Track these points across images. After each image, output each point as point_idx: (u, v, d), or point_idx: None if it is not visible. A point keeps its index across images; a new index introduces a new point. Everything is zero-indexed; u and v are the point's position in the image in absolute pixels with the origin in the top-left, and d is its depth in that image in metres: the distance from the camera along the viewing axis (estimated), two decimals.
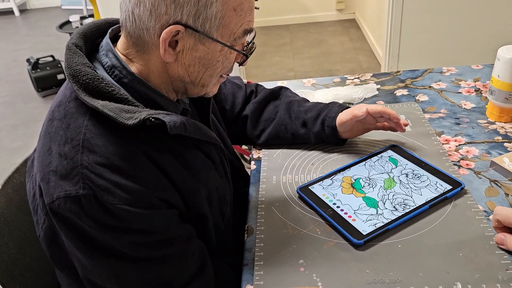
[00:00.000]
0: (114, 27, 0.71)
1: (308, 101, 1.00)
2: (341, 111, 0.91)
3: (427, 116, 1.04)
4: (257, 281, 0.67)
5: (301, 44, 3.68)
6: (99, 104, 0.60)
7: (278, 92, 1.01)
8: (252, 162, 0.95)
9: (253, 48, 0.72)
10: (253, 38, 0.71)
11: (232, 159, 0.90)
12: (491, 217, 0.73)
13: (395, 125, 0.90)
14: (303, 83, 1.26)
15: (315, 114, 0.93)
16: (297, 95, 1.02)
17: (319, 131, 0.92)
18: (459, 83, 1.17)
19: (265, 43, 3.76)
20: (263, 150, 0.98)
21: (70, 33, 2.98)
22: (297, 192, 0.83)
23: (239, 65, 0.73)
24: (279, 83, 1.27)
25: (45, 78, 3.16)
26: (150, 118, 0.60)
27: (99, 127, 0.61)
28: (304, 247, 0.72)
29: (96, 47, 0.69)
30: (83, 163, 0.59)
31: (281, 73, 3.18)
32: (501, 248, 0.68)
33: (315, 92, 1.16)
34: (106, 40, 0.68)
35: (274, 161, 0.94)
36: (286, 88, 1.03)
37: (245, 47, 0.70)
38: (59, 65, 3.21)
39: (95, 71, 0.63)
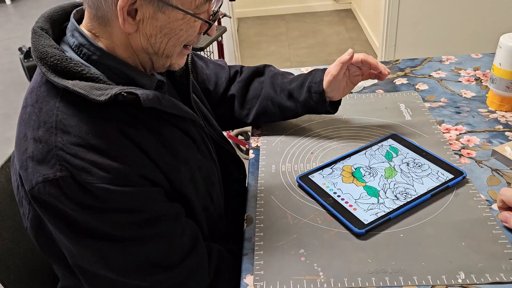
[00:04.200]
0: (79, 8, 0.70)
1: (292, 74, 0.97)
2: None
3: (427, 105, 1.03)
4: (257, 271, 0.66)
5: (296, 34, 3.65)
6: (69, 83, 0.58)
7: (262, 69, 0.99)
8: (251, 151, 0.94)
9: (217, 16, 0.68)
10: (219, 7, 0.68)
11: (221, 142, 0.87)
12: (493, 206, 0.73)
13: (378, 74, 0.88)
14: (301, 72, 1.24)
15: (300, 83, 0.90)
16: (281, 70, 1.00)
17: (306, 99, 0.89)
18: (459, 72, 1.16)
19: (261, 32, 3.73)
20: (261, 138, 0.97)
21: None
22: (297, 181, 0.82)
23: (204, 34, 0.69)
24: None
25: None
26: (122, 93, 0.58)
27: (71, 108, 0.60)
28: (304, 236, 0.71)
29: (64, 31, 0.68)
30: (57, 144, 0.58)
31: (277, 63, 3.15)
32: (505, 227, 0.68)
33: None
34: (71, 21, 0.66)
35: (273, 149, 0.93)
36: (270, 65, 1.01)
37: (210, 16, 0.66)
38: None
39: (64, 53, 0.62)
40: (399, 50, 2.71)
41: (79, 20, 0.67)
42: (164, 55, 0.66)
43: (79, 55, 0.64)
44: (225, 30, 2.15)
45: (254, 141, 0.97)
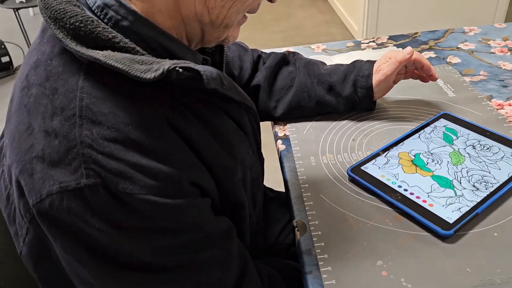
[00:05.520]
0: None
1: (324, 63, 0.85)
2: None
3: (467, 79, 0.91)
4: None
5: (269, 18, 3.49)
6: (99, 54, 0.41)
7: (288, 57, 0.85)
8: (279, 142, 0.78)
9: None
10: None
11: None
12: None
13: (422, 75, 0.81)
14: (312, 49, 1.09)
15: (342, 76, 0.79)
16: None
17: (350, 94, 0.78)
18: (488, 42, 1.05)
19: None
20: (288, 125, 0.82)
21: (15, 9, 2.63)
22: (348, 174, 0.67)
23: None
24: (284, 49, 1.10)
25: None
26: (177, 69, 0.42)
27: (101, 88, 0.43)
28: (377, 243, 0.57)
29: None
30: (83, 140, 0.41)
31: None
32: None
33: (333, 57, 1.00)
34: None
35: (306, 138, 0.78)
36: (296, 52, 0.88)
37: None
38: (2, 46, 2.84)
39: (85, 11, 0.45)
40: (381, 30, 2.62)
41: None
42: (223, 24, 0.50)
43: (102, 20, 0.46)
44: None
45: (280, 130, 0.81)
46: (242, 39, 2.89)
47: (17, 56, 3.01)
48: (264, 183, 0.87)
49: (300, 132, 0.79)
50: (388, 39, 1.11)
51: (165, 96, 0.45)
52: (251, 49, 0.86)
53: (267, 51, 1.07)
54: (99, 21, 0.43)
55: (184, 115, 0.46)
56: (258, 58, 0.85)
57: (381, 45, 1.08)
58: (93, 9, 0.46)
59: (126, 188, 0.41)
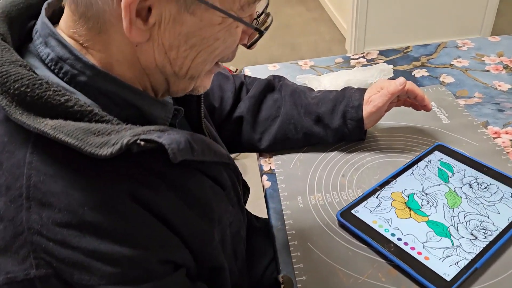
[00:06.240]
0: (51, 0, 0.46)
1: (311, 89, 0.80)
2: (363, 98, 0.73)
3: (461, 102, 0.86)
4: None
5: None
6: (47, 126, 0.36)
7: (273, 83, 0.80)
8: (265, 178, 0.73)
9: (269, 23, 0.49)
10: (266, 7, 0.48)
11: None
12: None
13: (415, 104, 0.77)
14: (299, 66, 1.04)
15: (331, 106, 0.74)
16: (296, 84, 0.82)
17: (339, 126, 0.73)
18: (482, 59, 1.01)
19: None
20: (274, 158, 0.77)
21: None
22: (338, 219, 0.63)
23: (248, 47, 0.50)
24: (271, 66, 1.05)
25: None
26: (138, 142, 0.37)
27: (51, 164, 0.38)
28: None
29: (29, 34, 0.44)
30: (31, 225, 0.37)
31: (240, 50, 2.92)
32: None
33: (321, 77, 0.95)
34: (42, 20, 0.43)
35: (293, 173, 0.73)
36: (282, 77, 0.82)
37: (255, 21, 0.47)
38: None
39: (34, 72, 0.39)
40: (370, 29, 2.57)
41: (53, 18, 0.44)
42: (188, 76, 0.45)
43: (57, 75, 0.41)
44: None
45: (265, 163, 0.76)
46: None
47: None
48: (248, 208, 0.83)
49: (286, 166, 0.75)
50: (378, 54, 1.06)
51: (128, 167, 0.40)
52: (233, 75, 0.81)
53: (287, 63, 1.02)
54: (50, 82, 0.38)
55: (152, 185, 0.42)
56: (241, 86, 0.79)
57: (371, 61, 1.04)
58: (46, 62, 0.41)
59: (83, 279, 0.37)
